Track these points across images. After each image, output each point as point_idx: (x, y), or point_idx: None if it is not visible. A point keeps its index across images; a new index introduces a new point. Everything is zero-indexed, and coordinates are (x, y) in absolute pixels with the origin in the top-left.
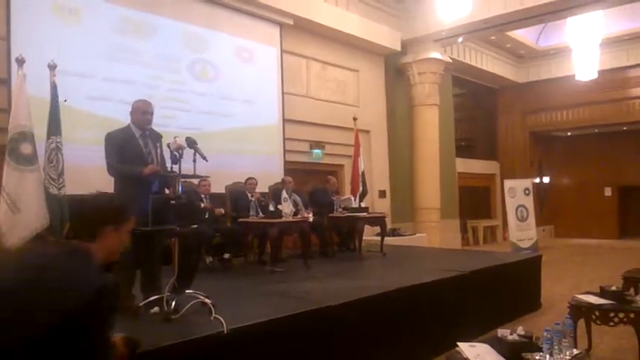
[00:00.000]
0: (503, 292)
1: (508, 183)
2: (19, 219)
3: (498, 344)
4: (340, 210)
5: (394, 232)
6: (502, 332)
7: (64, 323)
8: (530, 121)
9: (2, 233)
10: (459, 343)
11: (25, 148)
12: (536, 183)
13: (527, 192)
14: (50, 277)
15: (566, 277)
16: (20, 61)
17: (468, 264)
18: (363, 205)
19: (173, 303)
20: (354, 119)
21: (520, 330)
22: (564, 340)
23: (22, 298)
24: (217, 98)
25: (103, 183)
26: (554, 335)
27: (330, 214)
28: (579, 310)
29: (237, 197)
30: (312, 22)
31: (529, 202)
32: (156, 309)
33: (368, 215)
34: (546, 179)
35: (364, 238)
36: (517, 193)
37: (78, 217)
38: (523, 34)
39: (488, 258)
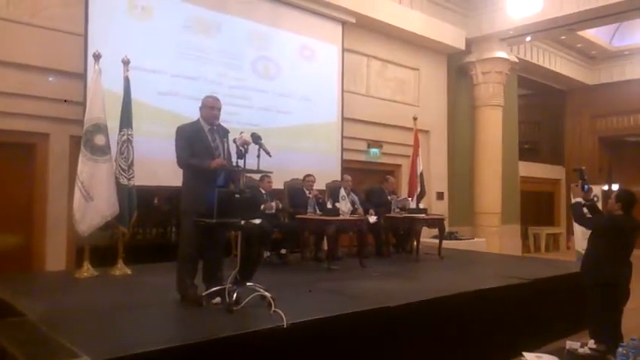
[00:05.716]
0: (569, 302)
1: None
2: (92, 206)
3: (567, 356)
4: (397, 210)
5: (451, 236)
6: (571, 344)
7: None
8: (600, 125)
9: (75, 219)
10: (524, 353)
11: (99, 140)
12: (605, 190)
13: (595, 199)
14: None
15: (636, 289)
16: (96, 57)
17: (530, 272)
18: (420, 206)
19: (234, 295)
20: (414, 119)
21: (591, 343)
22: None
23: None
24: (277, 95)
25: (170, 175)
26: (630, 351)
27: (387, 215)
28: None
29: (295, 194)
30: (374, 19)
31: None
32: (217, 299)
33: (427, 217)
34: (615, 186)
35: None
36: None
37: None
38: (595, 34)
39: (551, 266)
